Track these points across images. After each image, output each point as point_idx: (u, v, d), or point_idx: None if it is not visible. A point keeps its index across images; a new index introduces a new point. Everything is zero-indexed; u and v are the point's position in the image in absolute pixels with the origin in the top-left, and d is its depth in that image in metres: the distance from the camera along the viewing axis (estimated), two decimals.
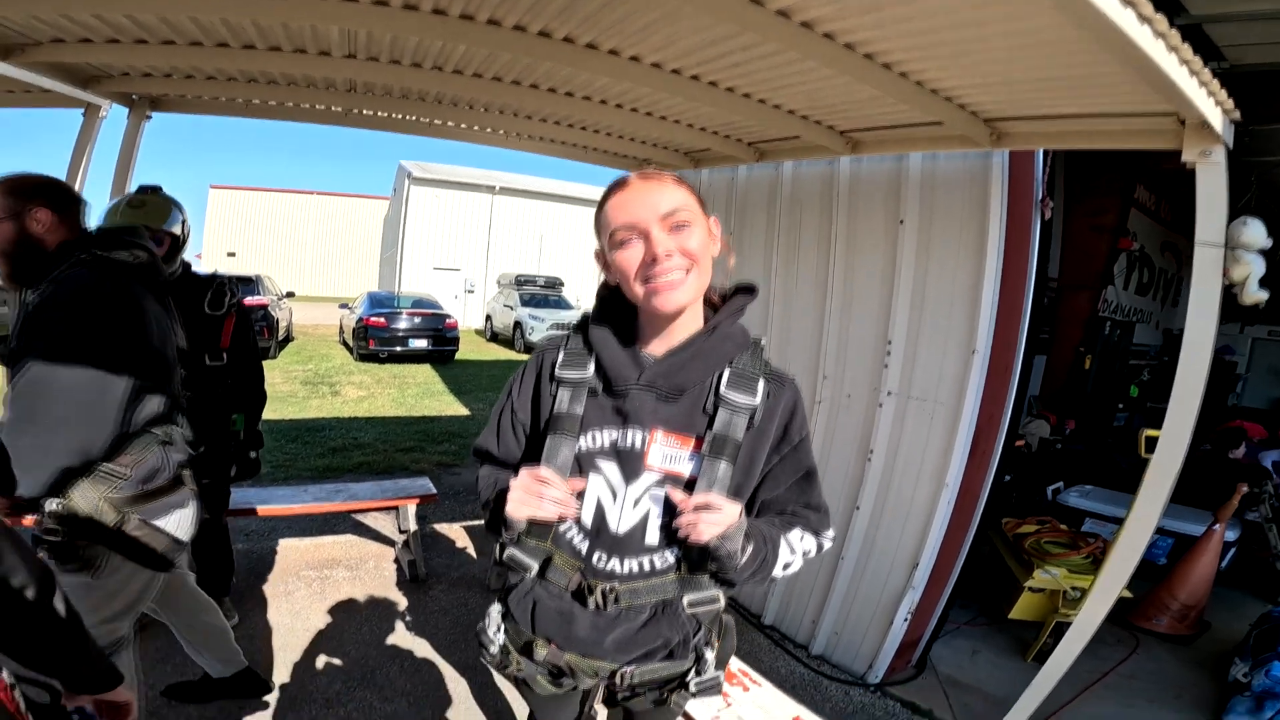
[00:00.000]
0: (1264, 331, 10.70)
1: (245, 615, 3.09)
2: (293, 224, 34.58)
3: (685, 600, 1.18)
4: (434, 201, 24.15)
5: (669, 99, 2.59)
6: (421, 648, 3.01)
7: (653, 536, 1.15)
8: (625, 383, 1.15)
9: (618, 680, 1.21)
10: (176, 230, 2.44)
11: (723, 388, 1.14)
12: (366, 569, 3.74)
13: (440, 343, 13.00)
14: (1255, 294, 1.63)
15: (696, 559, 1.15)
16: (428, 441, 6.77)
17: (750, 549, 1.11)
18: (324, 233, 35.21)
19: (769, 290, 3.47)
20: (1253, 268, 1.60)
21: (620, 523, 1.15)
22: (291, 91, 2.93)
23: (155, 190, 2.54)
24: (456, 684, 2.77)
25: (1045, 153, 2.56)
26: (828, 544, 1.26)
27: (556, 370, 1.20)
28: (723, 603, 1.23)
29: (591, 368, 1.18)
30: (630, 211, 1.07)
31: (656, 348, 1.16)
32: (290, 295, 14.53)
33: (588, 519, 1.17)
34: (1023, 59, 1.65)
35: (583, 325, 1.23)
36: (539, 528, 1.18)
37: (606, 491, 1.16)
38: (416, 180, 24.06)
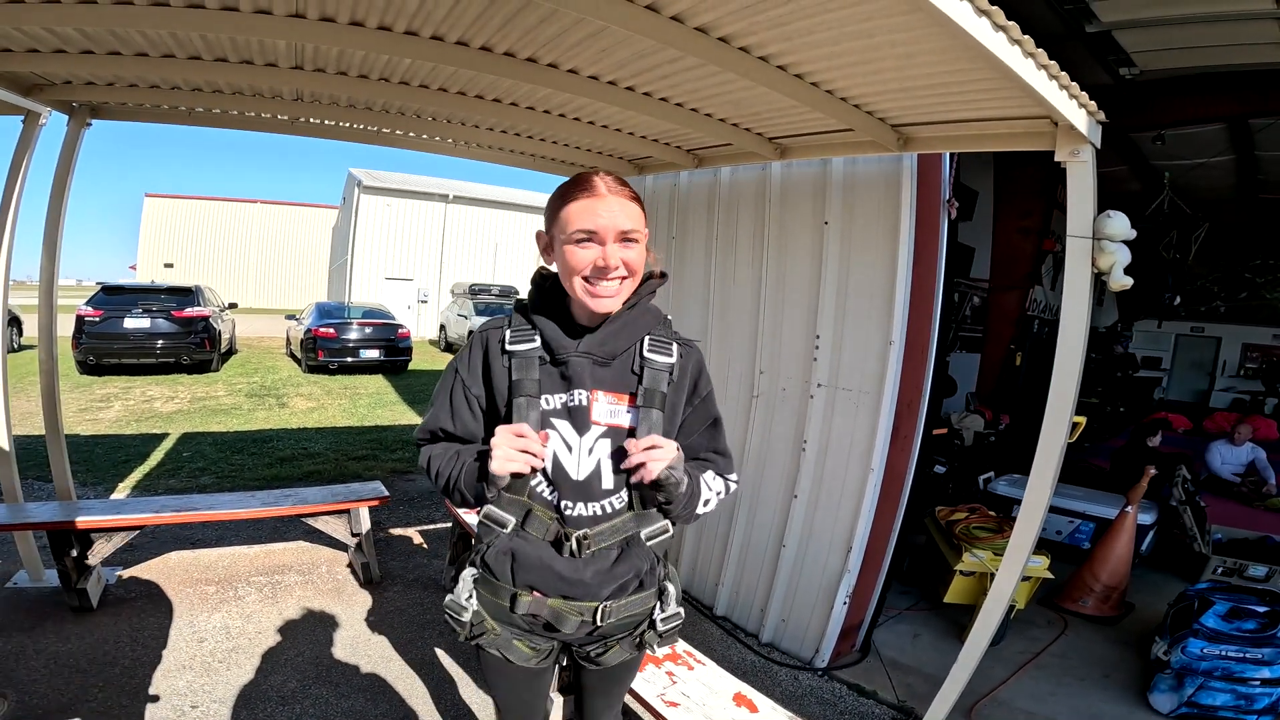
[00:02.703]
0: (1186, 328, 11.31)
1: (192, 619, 3.08)
2: (236, 234, 33.65)
3: (643, 534, 1.39)
4: (385, 210, 23.81)
5: (608, 109, 2.70)
6: (378, 646, 3.04)
7: (607, 481, 1.35)
8: (566, 352, 1.34)
9: (599, 616, 1.36)
10: None
11: (646, 351, 1.38)
12: (319, 573, 3.74)
13: (393, 353, 12.87)
14: (1120, 280, 1.83)
15: (645, 494, 1.35)
16: (381, 450, 6.73)
17: (686, 480, 1.33)
18: (269, 243, 34.34)
19: (709, 290, 3.62)
20: (1117, 257, 1.79)
21: (579, 470, 1.34)
22: (236, 100, 2.95)
23: None
24: (414, 680, 2.80)
25: (951, 156, 2.77)
26: (734, 486, 1.50)
27: (506, 345, 1.37)
28: (672, 532, 1.44)
29: (537, 340, 1.36)
30: (595, 220, 1.23)
31: (586, 323, 1.37)
32: (233, 307, 14.18)
33: (550, 469, 1.35)
34: (912, 67, 1.82)
35: (521, 307, 1.42)
36: (517, 482, 1.34)
37: (563, 446, 1.35)
38: (366, 189, 23.69)
